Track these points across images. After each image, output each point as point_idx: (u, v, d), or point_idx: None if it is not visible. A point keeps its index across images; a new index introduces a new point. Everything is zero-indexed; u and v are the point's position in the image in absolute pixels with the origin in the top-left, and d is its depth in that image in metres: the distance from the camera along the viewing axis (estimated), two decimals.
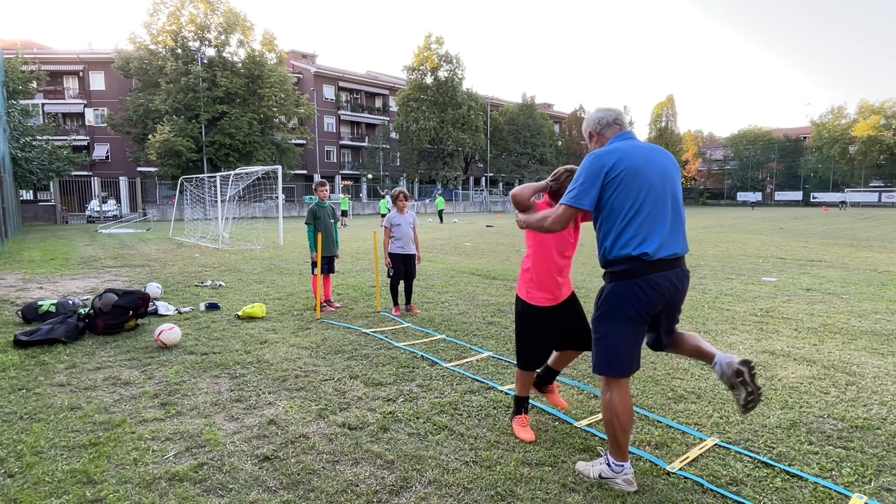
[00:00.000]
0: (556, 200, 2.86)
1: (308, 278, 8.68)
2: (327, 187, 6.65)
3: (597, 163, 2.38)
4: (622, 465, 2.51)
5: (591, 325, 2.62)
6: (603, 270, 2.53)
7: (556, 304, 3.05)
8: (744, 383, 2.38)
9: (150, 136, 32.71)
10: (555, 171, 3.00)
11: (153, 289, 7.22)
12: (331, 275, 6.75)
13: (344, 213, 25.00)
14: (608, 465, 2.54)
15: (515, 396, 3.21)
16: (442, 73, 47.56)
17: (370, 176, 48.02)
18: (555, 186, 2.94)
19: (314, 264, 6.38)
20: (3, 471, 2.65)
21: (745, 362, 2.40)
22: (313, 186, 6.75)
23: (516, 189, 2.92)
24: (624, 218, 2.35)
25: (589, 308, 2.80)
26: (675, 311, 2.57)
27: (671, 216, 2.40)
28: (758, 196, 63.71)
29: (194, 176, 20.40)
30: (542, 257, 3.02)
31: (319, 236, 6.34)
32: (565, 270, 3.06)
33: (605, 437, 3.02)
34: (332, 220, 6.59)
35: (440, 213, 30.76)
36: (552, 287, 3.02)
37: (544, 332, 3.08)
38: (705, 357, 2.58)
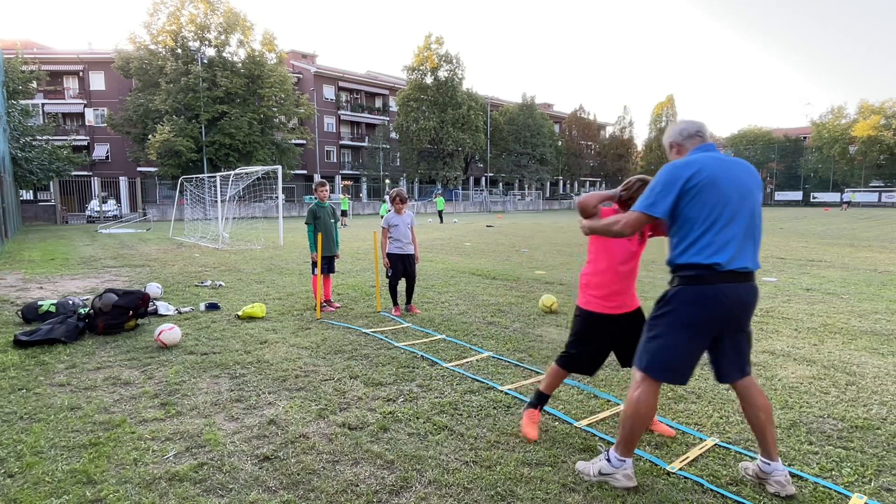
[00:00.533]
0: (625, 209, 2.81)
1: (308, 278, 8.68)
2: (327, 187, 6.67)
3: (674, 173, 2.39)
4: (624, 461, 2.51)
5: (646, 324, 2.58)
6: (671, 276, 2.50)
7: (615, 313, 2.95)
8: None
9: (150, 136, 32.68)
10: (627, 181, 2.95)
11: (153, 289, 7.22)
12: (331, 275, 6.76)
13: (344, 214, 25.00)
14: (608, 460, 2.54)
15: (538, 390, 3.13)
16: (442, 73, 47.55)
17: (381, 176, 47.92)
18: (626, 196, 2.88)
19: (314, 264, 6.40)
20: (3, 471, 2.65)
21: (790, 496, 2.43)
22: (313, 186, 6.76)
23: (583, 196, 2.90)
24: (698, 228, 2.35)
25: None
26: (741, 333, 2.48)
27: (746, 230, 2.38)
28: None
29: (194, 176, 20.40)
30: (603, 264, 2.96)
31: (319, 236, 6.35)
32: (628, 280, 2.97)
33: (604, 436, 3.03)
34: (332, 220, 6.60)
35: (440, 213, 30.76)
36: (610, 295, 2.95)
37: (597, 339, 2.99)
38: (763, 445, 2.52)
